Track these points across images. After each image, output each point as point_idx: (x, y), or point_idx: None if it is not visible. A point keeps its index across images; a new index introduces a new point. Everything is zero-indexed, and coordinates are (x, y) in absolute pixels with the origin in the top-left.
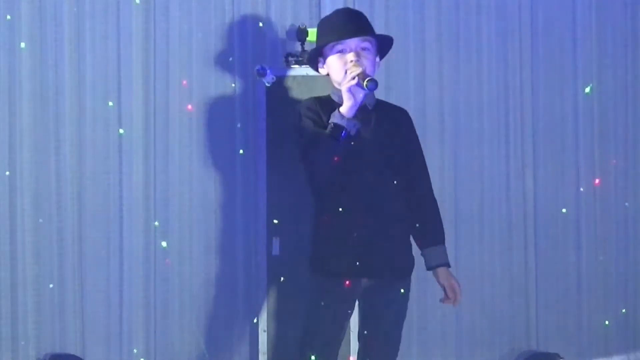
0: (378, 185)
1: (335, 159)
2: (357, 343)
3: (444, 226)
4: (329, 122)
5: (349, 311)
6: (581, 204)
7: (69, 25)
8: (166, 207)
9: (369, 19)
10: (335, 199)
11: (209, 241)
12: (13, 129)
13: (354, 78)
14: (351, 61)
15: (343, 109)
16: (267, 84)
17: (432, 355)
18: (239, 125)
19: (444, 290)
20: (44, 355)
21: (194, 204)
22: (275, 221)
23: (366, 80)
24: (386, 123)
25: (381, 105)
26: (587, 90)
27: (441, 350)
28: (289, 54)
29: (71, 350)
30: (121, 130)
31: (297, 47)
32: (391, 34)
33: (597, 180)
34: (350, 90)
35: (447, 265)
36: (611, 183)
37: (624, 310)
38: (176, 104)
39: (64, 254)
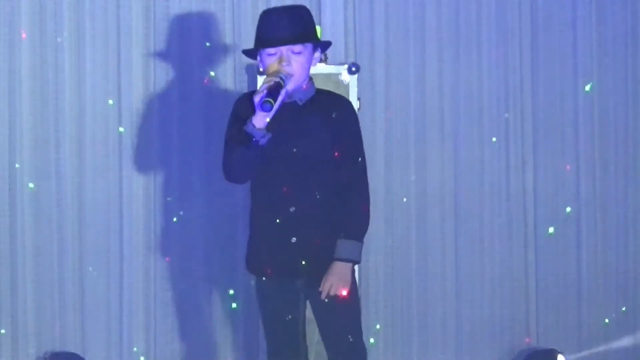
0: (308, 184)
1: (246, 164)
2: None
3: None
4: (242, 128)
5: (292, 309)
6: (581, 203)
7: (69, 24)
8: (166, 205)
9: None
10: (264, 197)
11: (209, 240)
12: (13, 128)
13: (262, 91)
14: (269, 72)
15: (254, 119)
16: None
17: (432, 354)
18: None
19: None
20: (44, 353)
21: (194, 202)
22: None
23: (265, 101)
24: (318, 117)
25: (318, 97)
26: (587, 88)
27: (441, 349)
28: None
29: (71, 348)
30: (121, 129)
31: None
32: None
33: None
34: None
35: (345, 260)
36: (611, 183)
37: (624, 309)
38: (176, 103)
39: (64, 253)
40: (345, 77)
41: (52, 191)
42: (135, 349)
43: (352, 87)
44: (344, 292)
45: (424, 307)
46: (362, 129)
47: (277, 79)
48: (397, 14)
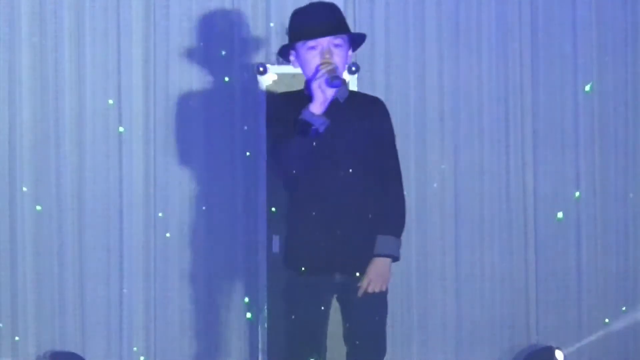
0: (349, 181)
1: (304, 154)
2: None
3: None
4: (299, 118)
5: (323, 307)
6: (581, 203)
7: (69, 23)
8: (166, 205)
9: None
10: (306, 194)
11: (209, 239)
12: (13, 128)
13: (323, 75)
14: (322, 62)
15: (312, 106)
16: (268, 82)
17: (432, 354)
18: (245, 128)
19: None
20: (44, 353)
21: (194, 202)
22: (273, 209)
23: (332, 77)
24: (358, 115)
25: (354, 97)
26: (587, 88)
27: (441, 349)
28: None
29: (71, 348)
30: (121, 129)
31: None
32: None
33: None
34: (320, 87)
35: (386, 256)
36: (611, 183)
37: (624, 309)
38: (176, 103)
39: (64, 253)
40: (346, 77)
41: (52, 191)
42: (135, 349)
43: (352, 87)
44: (383, 288)
45: (424, 307)
46: None
47: (333, 65)
48: (397, 14)
